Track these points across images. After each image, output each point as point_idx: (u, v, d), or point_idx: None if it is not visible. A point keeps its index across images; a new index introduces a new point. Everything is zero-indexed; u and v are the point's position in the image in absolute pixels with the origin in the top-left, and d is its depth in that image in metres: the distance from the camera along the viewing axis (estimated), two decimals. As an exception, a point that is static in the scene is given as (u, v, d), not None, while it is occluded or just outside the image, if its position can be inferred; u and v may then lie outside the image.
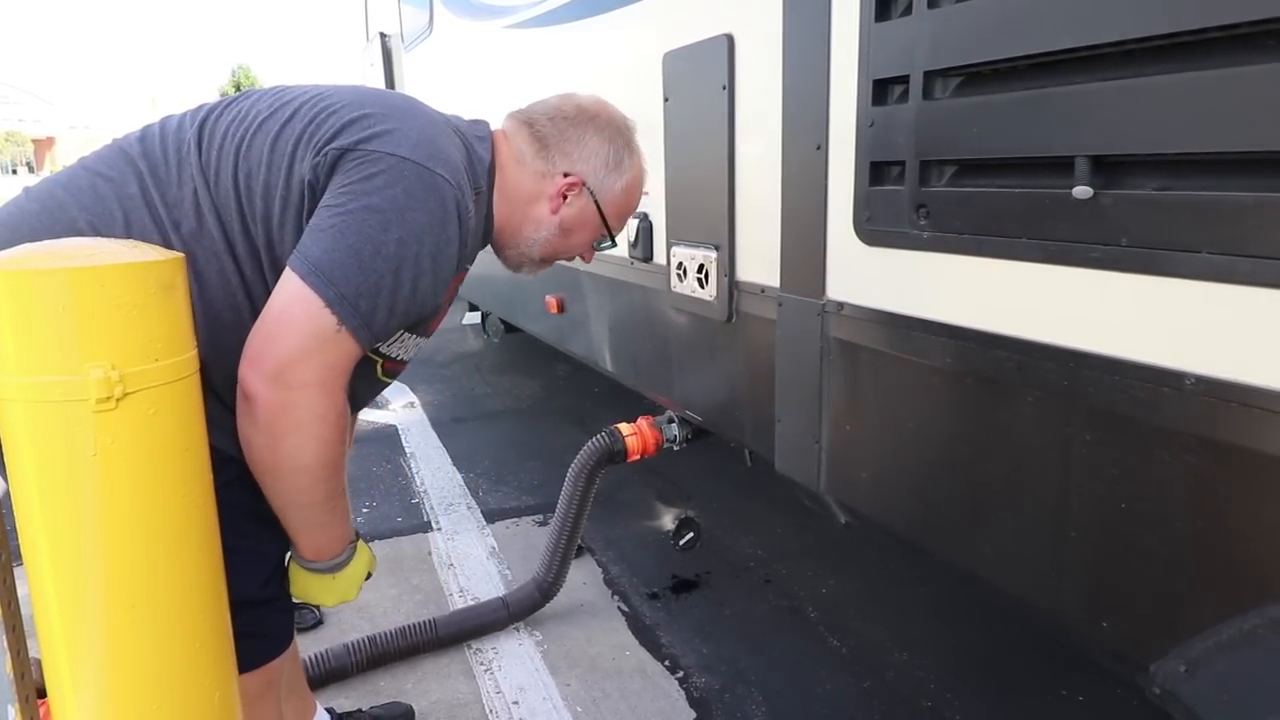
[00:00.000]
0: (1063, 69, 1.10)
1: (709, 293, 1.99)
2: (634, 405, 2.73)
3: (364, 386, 1.25)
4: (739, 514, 3.14)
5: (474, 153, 1.25)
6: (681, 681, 2.14)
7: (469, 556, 2.84)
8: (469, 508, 3.24)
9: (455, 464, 3.73)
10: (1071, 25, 1.06)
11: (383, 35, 5.47)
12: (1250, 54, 0.90)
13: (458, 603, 2.52)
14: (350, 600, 1.25)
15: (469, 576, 2.69)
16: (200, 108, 1.21)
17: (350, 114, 1.13)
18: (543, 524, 3.07)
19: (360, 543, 1.26)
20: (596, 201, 1.36)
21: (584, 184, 1.34)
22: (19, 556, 0.87)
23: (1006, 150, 1.18)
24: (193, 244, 1.10)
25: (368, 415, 4.41)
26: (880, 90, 1.38)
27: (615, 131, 1.36)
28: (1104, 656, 1.23)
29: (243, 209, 1.12)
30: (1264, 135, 0.89)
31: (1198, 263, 0.96)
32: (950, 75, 1.26)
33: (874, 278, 1.46)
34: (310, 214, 1.11)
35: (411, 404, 4.72)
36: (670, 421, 2.40)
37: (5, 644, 0.88)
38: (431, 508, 3.25)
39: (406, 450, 3.93)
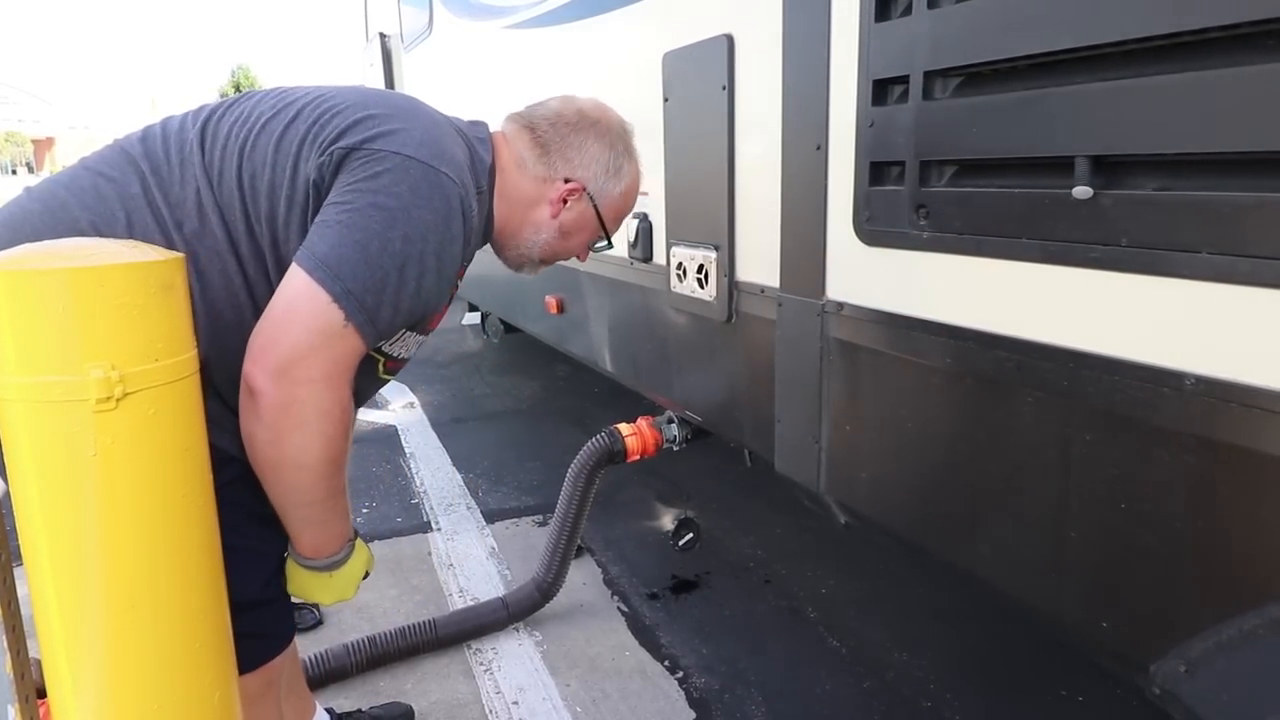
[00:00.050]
0: (1063, 69, 1.10)
1: (709, 293, 1.99)
2: (634, 405, 2.73)
3: (365, 385, 1.25)
4: (739, 514, 3.14)
5: (476, 154, 1.26)
6: (681, 682, 2.14)
7: (469, 557, 2.84)
8: (469, 508, 3.24)
9: (455, 464, 3.73)
10: (1071, 25, 1.06)
11: (382, 35, 5.47)
12: (1250, 54, 0.90)
13: (457, 603, 2.51)
14: (348, 599, 1.25)
15: (468, 577, 2.69)
16: (201, 109, 1.21)
17: (355, 114, 1.14)
18: (542, 524, 3.07)
19: (358, 541, 1.26)
20: (596, 206, 1.38)
21: (584, 189, 1.35)
22: (19, 556, 0.87)
23: (1006, 150, 1.18)
24: (195, 244, 1.10)
25: (367, 415, 4.41)
26: (880, 90, 1.38)
27: (615, 137, 1.38)
28: (1104, 656, 1.23)
29: (247, 209, 1.12)
30: (1264, 135, 0.89)
31: (1198, 263, 0.96)
32: (950, 75, 1.26)
33: (874, 278, 1.46)
34: (315, 213, 1.11)
35: (411, 404, 4.72)
36: (670, 422, 2.40)
37: (5, 644, 0.88)
38: (431, 508, 3.25)
39: (406, 450, 3.93)
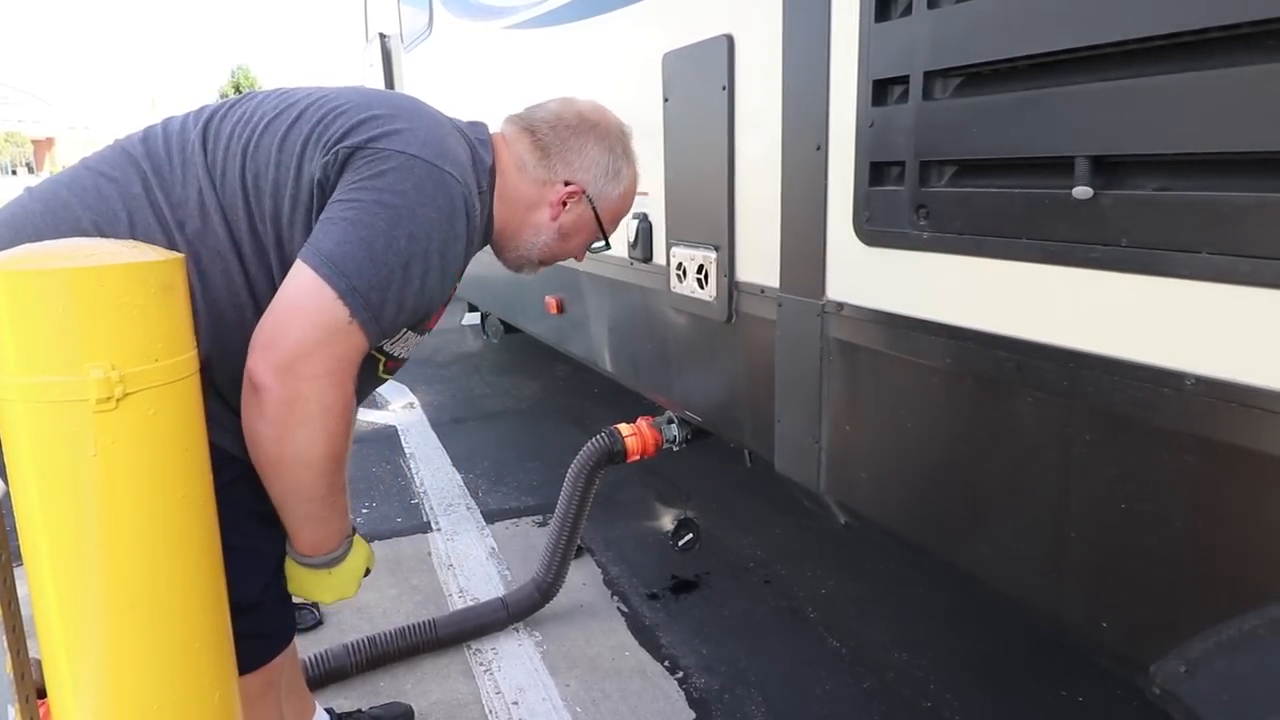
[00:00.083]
0: (1063, 69, 1.10)
1: (709, 293, 1.99)
2: (633, 406, 2.73)
3: (364, 383, 1.26)
4: (738, 514, 3.14)
5: (477, 155, 1.27)
6: (681, 682, 2.14)
7: (468, 557, 2.84)
8: (468, 508, 3.24)
9: (455, 464, 3.73)
10: (1071, 25, 1.06)
11: (382, 36, 5.48)
12: (1250, 54, 0.90)
13: (457, 603, 2.51)
14: (350, 596, 1.25)
15: (468, 577, 2.69)
16: (203, 109, 1.22)
17: (359, 114, 1.15)
18: (542, 524, 3.07)
19: (357, 538, 1.26)
20: (595, 208, 1.39)
21: (584, 192, 1.36)
22: (19, 556, 0.87)
23: (1006, 150, 1.18)
24: (197, 243, 1.10)
25: (367, 416, 4.41)
26: (880, 90, 1.38)
27: (614, 140, 1.39)
28: (1104, 657, 1.23)
29: (250, 208, 1.13)
30: (1264, 135, 0.89)
31: (1198, 263, 0.96)
32: (950, 75, 1.26)
33: (874, 278, 1.46)
34: (319, 212, 1.12)
35: (411, 404, 4.72)
36: (670, 422, 2.40)
37: (5, 644, 0.88)
38: (431, 508, 3.25)
39: (406, 451, 3.93)
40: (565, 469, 2.35)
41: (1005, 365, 1.21)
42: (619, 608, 2.50)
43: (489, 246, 1.42)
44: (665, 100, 2.10)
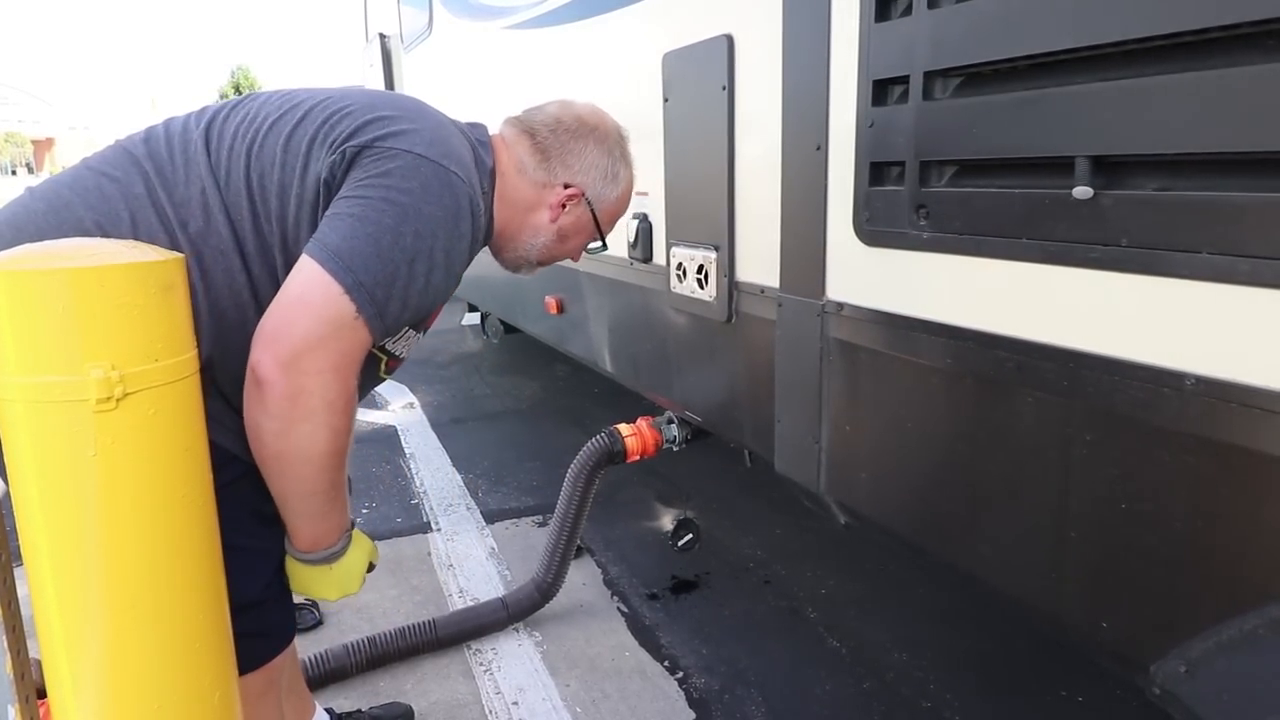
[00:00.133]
0: (1063, 69, 1.10)
1: (709, 293, 1.99)
2: (633, 406, 2.73)
3: (366, 383, 1.26)
4: (738, 514, 3.14)
5: (479, 156, 1.28)
6: (681, 682, 2.14)
7: (468, 557, 2.84)
8: (468, 508, 3.24)
9: (455, 465, 3.73)
10: (1071, 25, 1.06)
11: (382, 36, 5.48)
12: (1250, 54, 0.90)
13: (457, 603, 2.51)
14: (354, 592, 1.25)
15: (468, 577, 2.69)
16: (204, 110, 1.22)
17: (365, 115, 1.16)
18: (542, 525, 3.07)
19: (357, 533, 1.26)
20: (593, 210, 1.41)
21: (583, 194, 1.38)
22: (19, 556, 0.87)
23: (1006, 150, 1.18)
24: (200, 243, 1.10)
25: (367, 416, 4.41)
26: (880, 91, 1.39)
27: (613, 143, 1.41)
28: (1104, 657, 1.23)
29: (255, 208, 1.13)
30: (1264, 135, 0.89)
31: (1198, 263, 0.96)
32: (950, 75, 1.26)
33: (874, 278, 1.46)
34: (325, 211, 1.12)
35: (411, 404, 4.72)
36: (670, 422, 2.40)
37: (5, 644, 0.88)
38: (431, 508, 3.25)
39: (406, 451, 3.93)
40: (565, 469, 2.35)
41: (1005, 365, 1.21)
42: (619, 608, 2.50)
43: (487, 247, 1.42)
44: (665, 100, 2.10)
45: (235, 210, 1.13)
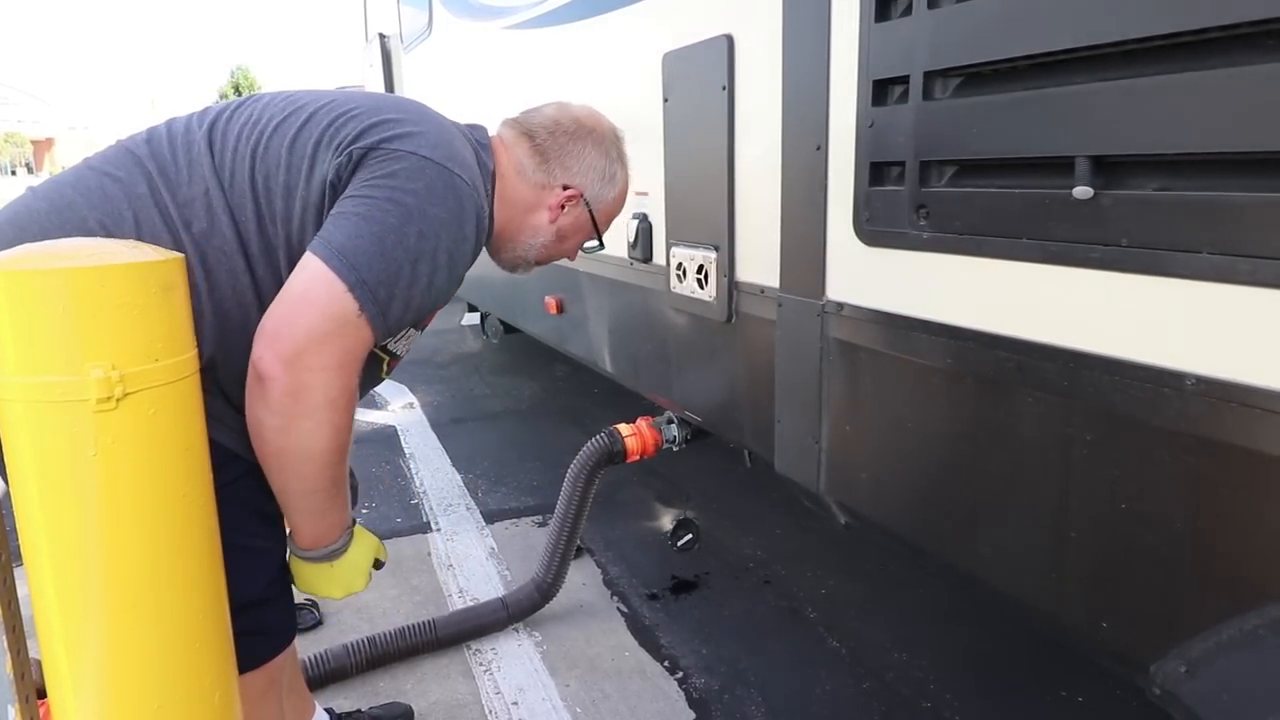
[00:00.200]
0: (1063, 69, 1.10)
1: (708, 293, 1.99)
2: (633, 406, 2.73)
3: (367, 382, 1.27)
4: (738, 515, 3.13)
5: (481, 159, 1.29)
6: (681, 682, 2.14)
7: (468, 557, 2.84)
8: (468, 508, 3.24)
9: (454, 465, 3.73)
10: (1071, 25, 1.06)
11: (382, 36, 5.48)
12: (1250, 54, 0.90)
13: (457, 603, 2.51)
14: (359, 590, 1.25)
15: (468, 577, 2.69)
16: (206, 111, 1.23)
17: (370, 118, 1.17)
18: (542, 525, 3.07)
19: (360, 530, 1.26)
20: (591, 211, 1.43)
21: (581, 195, 1.40)
22: (19, 556, 0.87)
23: (1006, 150, 1.18)
24: (203, 243, 1.11)
25: (367, 416, 4.41)
26: (880, 91, 1.39)
27: (610, 144, 1.43)
28: (1104, 657, 1.23)
29: (260, 209, 1.14)
30: (1264, 135, 0.89)
31: (1198, 263, 0.96)
32: (950, 75, 1.26)
33: (874, 278, 1.46)
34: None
35: (411, 405, 4.72)
36: (670, 422, 2.40)
37: (5, 644, 0.88)
38: (431, 508, 3.25)
39: (406, 451, 3.93)
40: (565, 469, 2.35)
41: (1006, 365, 1.21)
42: (619, 608, 2.50)
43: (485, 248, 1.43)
44: (665, 100, 2.10)
45: (239, 211, 1.13)
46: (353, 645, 2.13)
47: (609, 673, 2.18)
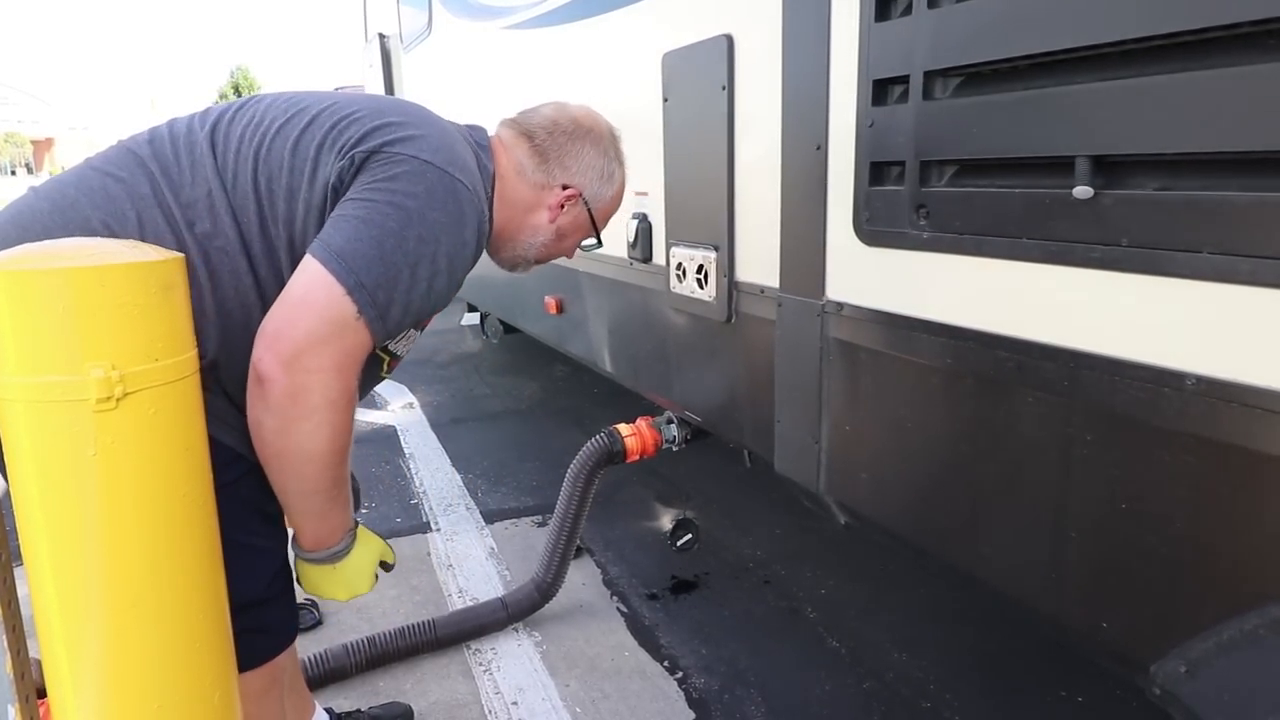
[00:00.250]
0: (1063, 69, 1.10)
1: (708, 293, 1.99)
2: (633, 406, 2.73)
3: (367, 382, 1.27)
4: (738, 515, 3.13)
5: (481, 162, 1.30)
6: (681, 682, 2.14)
7: (468, 557, 2.83)
8: (468, 508, 3.24)
9: (454, 465, 3.73)
10: (1071, 25, 1.06)
11: (381, 36, 5.48)
12: (1250, 54, 0.90)
13: (456, 603, 2.51)
14: (363, 593, 1.26)
15: (468, 577, 2.69)
16: (208, 111, 1.23)
17: (373, 121, 1.17)
18: (542, 525, 3.07)
19: (365, 533, 1.27)
20: (590, 210, 1.44)
21: (580, 195, 1.40)
22: (19, 556, 0.87)
23: (1007, 150, 1.18)
24: (207, 244, 1.11)
25: (367, 416, 4.41)
26: (880, 90, 1.39)
27: (607, 144, 1.44)
28: (1104, 657, 1.23)
29: (262, 211, 1.14)
30: (1264, 135, 0.89)
31: (1198, 263, 0.96)
32: (950, 75, 1.26)
33: (874, 278, 1.46)
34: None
35: (410, 405, 4.72)
36: (669, 422, 2.40)
37: (5, 644, 0.88)
38: (430, 508, 3.25)
39: (405, 451, 3.93)
40: (565, 469, 2.35)
41: (1006, 365, 1.21)
42: (618, 608, 2.50)
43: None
44: (665, 100, 2.10)
45: (242, 212, 1.14)
46: (352, 645, 2.13)
47: (609, 673, 2.18)
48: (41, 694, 0.92)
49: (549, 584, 2.37)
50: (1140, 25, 0.98)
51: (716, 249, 1.94)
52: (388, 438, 4.13)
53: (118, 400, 0.81)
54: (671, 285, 2.15)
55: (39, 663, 0.89)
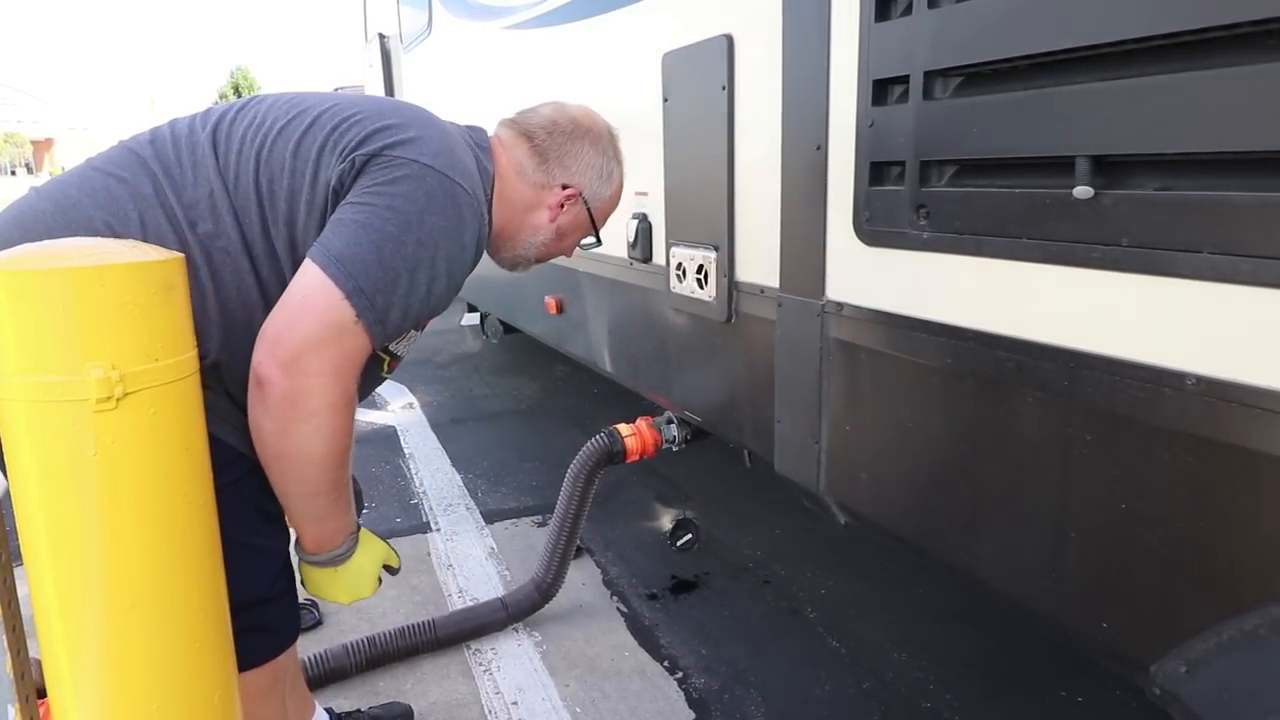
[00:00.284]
0: (1063, 69, 1.10)
1: (708, 293, 1.99)
2: (633, 406, 2.73)
3: (368, 382, 1.27)
4: (738, 514, 3.13)
5: (481, 164, 1.30)
6: (681, 682, 2.14)
7: (468, 557, 2.83)
8: (468, 508, 3.24)
9: (454, 465, 3.73)
10: (1071, 25, 1.06)
11: (381, 36, 5.48)
12: (1250, 54, 0.90)
13: (457, 603, 2.51)
14: (366, 596, 1.26)
15: (468, 577, 2.69)
16: (209, 112, 1.23)
17: (374, 123, 1.17)
18: (542, 525, 3.07)
19: (368, 536, 1.27)
20: (589, 209, 1.44)
21: (580, 194, 1.41)
22: (19, 556, 0.87)
23: (1007, 150, 1.18)
24: (209, 244, 1.12)
25: (367, 416, 4.41)
26: (880, 90, 1.39)
27: (606, 143, 1.44)
28: (1104, 657, 1.23)
29: (264, 212, 1.14)
30: (1264, 135, 0.89)
31: (1198, 263, 0.96)
32: (950, 75, 1.26)
33: (874, 278, 1.46)
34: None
35: (410, 405, 4.72)
36: (669, 422, 2.40)
37: (5, 644, 0.88)
38: (430, 508, 3.25)
39: (405, 451, 3.93)
40: (565, 469, 2.35)
41: (1006, 365, 1.21)
42: (618, 608, 2.50)
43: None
44: (665, 100, 2.10)
45: (244, 213, 1.14)
46: (352, 645, 2.13)
47: (609, 673, 2.18)
48: (41, 694, 0.91)
49: (549, 584, 2.37)
50: (1140, 25, 0.98)
51: (716, 249, 1.94)
52: (388, 438, 4.13)
53: (118, 400, 0.81)
54: (671, 285, 2.15)
55: (39, 663, 0.89)
